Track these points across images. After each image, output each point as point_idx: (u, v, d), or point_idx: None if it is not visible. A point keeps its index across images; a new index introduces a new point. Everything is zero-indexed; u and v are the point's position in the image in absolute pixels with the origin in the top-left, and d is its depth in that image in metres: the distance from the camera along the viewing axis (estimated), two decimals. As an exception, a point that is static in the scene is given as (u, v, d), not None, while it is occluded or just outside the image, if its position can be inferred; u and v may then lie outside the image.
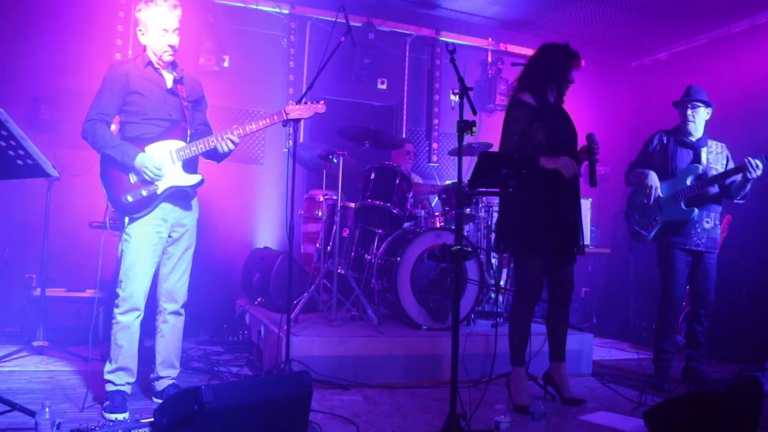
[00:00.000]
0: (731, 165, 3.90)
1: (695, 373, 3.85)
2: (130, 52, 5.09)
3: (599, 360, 4.55)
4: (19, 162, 2.39)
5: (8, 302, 4.68)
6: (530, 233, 3.20)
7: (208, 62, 5.35)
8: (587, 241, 5.53)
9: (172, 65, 3.03)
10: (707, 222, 3.84)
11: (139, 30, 2.96)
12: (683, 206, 3.80)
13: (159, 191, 2.92)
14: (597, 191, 6.41)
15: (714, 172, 3.83)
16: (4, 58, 4.83)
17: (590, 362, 4.19)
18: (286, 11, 5.74)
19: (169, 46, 2.94)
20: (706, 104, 3.87)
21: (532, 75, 3.30)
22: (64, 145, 4.87)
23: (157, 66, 2.98)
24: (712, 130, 3.97)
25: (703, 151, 3.89)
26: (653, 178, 3.86)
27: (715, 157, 3.92)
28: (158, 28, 2.91)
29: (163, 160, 2.90)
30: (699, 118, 3.87)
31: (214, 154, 3.05)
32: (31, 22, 4.91)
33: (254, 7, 5.63)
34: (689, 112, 3.86)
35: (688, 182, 3.81)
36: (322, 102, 3.21)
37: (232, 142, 2.99)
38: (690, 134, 3.89)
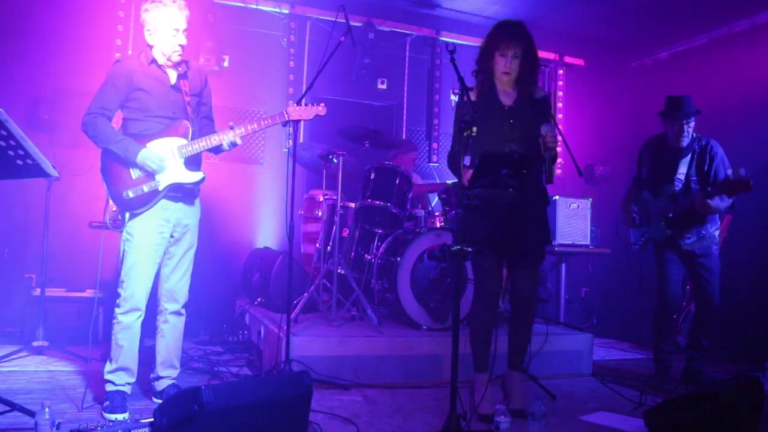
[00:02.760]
0: (718, 161, 3.78)
1: (695, 374, 3.84)
2: (129, 52, 5.09)
3: (599, 360, 4.55)
4: (19, 162, 2.39)
5: (8, 302, 4.68)
6: (472, 229, 2.97)
7: (208, 62, 5.35)
8: (587, 241, 5.52)
9: (177, 64, 3.03)
10: (688, 237, 3.79)
11: (147, 30, 2.95)
12: (662, 225, 3.82)
13: (160, 187, 2.92)
14: (597, 191, 6.45)
15: (695, 183, 3.79)
16: (3, 58, 4.83)
17: (590, 362, 4.19)
18: (286, 11, 5.73)
19: (180, 45, 2.94)
20: (696, 113, 3.78)
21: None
22: (64, 145, 4.86)
23: (161, 64, 2.98)
24: (711, 131, 3.94)
25: (683, 163, 3.81)
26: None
27: (698, 164, 3.80)
28: (169, 29, 2.90)
29: (164, 155, 2.91)
30: (690, 131, 3.79)
31: (215, 149, 3.06)
32: (30, 21, 4.90)
33: (254, 6, 5.63)
34: (686, 128, 3.76)
35: (667, 202, 3.82)
36: (323, 104, 3.21)
37: (234, 143, 3.00)
38: (678, 146, 3.82)
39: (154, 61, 2.97)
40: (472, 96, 3.03)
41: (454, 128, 3.05)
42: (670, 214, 3.78)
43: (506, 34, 3.04)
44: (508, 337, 3.22)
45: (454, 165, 2.91)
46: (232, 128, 3.00)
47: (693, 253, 3.81)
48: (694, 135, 3.84)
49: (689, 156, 3.82)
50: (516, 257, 3.12)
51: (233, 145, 3.02)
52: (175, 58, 2.97)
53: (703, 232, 3.81)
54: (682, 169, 3.81)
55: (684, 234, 3.80)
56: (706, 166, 3.78)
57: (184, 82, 3.04)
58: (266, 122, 3.04)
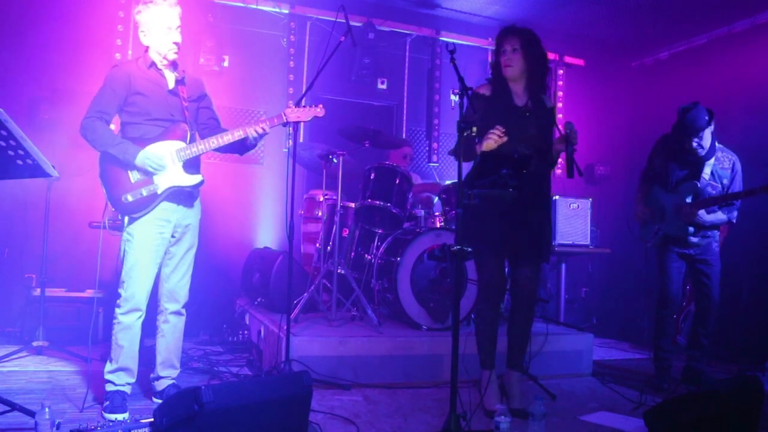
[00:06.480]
0: (738, 179, 3.82)
1: (696, 373, 3.84)
2: (129, 52, 5.09)
3: (599, 360, 4.55)
4: (19, 162, 2.39)
5: (8, 302, 4.68)
6: (477, 229, 3.01)
7: (208, 62, 5.35)
8: (587, 241, 5.52)
9: (174, 65, 3.03)
10: (693, 237, 3.80)
11: (142, 32, 2.97)
12: (683, 223, 3.79)
13: (159, 191, 2.92)
14: (597, 191, 6.45)
15: (713, 188, 3.78)
16: (3, 58, 4.83)
17: (590, 362, 4.19)
18: (286, 11, 5.73)
19: (174, 43, 2.95)
20: (709, 123, 3.69)
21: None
22: (64, 145, 4.84)
23: (160, 67, 2.99)
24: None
25: (707, 166, 3.79)
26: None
27: (721, 172, 3.81)
28: (162, 27, 2.92)
29: (163, 158, 2.90)
30: (706, 140, 3.71)
31: (238, 147, 3.08)
32: (30, 21, 4.90)
33: (254, 6, 5.63)
34: (695, 143, 3.69)
35: (688, 200, 3.80)
36: (321, 105, 3.21)
37: (249, 140, 3.03)
38: (696, 155, 3.79)
39: (153, 64, 2.97)
40: (484, 91, 3.12)
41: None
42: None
43: (501, 33, 3.18)
44: (508, 336, 3.25)
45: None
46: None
47: (696, 248, 3.82)
48: (717, 145, 3.80)
49: (713, 158, 3.80)
50: (519, 256, 3.14)
51: (247, 147, 3.07)
52: (171, 56, 2.97)
53: (703, 233, 3.81)
54: (707, 170, 3.81)
55: (698, 231, 3.80)
56: (726, 180, 3.81)
57: (182, 88, 3.04)
58: (264, 125, 3.04)
